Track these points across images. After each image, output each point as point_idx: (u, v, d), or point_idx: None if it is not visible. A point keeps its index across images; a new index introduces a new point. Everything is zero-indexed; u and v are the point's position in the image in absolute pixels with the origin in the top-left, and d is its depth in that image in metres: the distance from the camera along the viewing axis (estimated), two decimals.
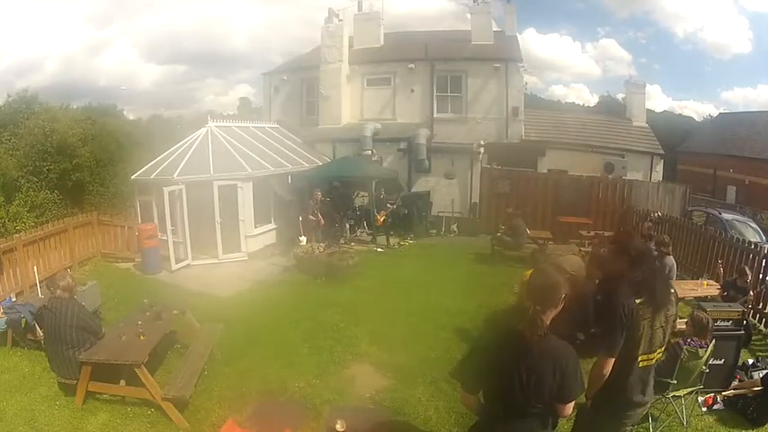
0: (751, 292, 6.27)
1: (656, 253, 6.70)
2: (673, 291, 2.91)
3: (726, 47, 58.30)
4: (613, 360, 2.60)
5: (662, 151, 15.99)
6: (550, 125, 16.84)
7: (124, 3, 55.34)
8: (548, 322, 2.20)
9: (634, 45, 53.53)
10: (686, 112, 41.13)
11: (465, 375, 2.35)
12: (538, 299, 2.20)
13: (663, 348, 2.84)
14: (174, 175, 9.52)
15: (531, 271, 2.66)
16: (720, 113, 29.34)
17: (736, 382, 4.78)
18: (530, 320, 2.14)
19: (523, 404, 2.17)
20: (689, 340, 4.13)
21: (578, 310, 3.32)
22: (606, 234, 9.99)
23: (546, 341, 2.15)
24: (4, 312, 5.68)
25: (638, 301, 2.66)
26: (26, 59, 40.77)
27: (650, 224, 9.78)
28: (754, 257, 7.10)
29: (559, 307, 2.24)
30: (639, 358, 2.70)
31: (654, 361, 2.80)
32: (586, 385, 2.70)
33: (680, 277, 7.70)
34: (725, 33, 52.42)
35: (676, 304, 2.91)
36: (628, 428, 2.95)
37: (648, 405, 3.01)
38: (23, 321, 5.58)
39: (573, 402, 2.27)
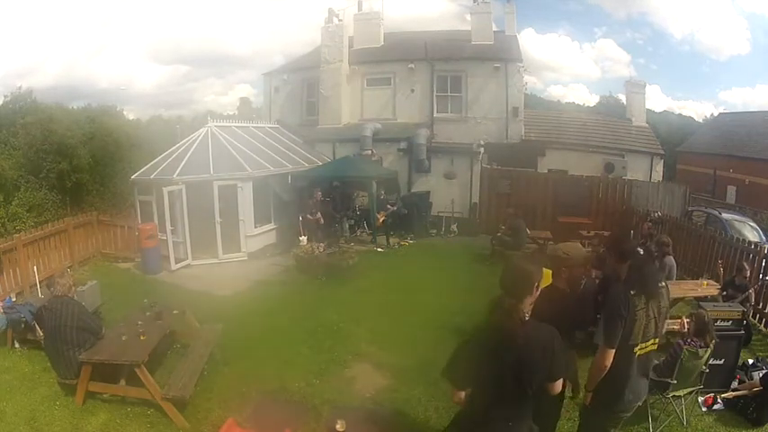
0: (751, 290, 6.27)
1: (656, 253, 6.70)
2: (663, 284, 3.00)
3: (723, 47, 58.47)
4: (613, 352, 2.69)
5: (662, 151, 15.99)
6: (550, 125, 16.84)
7: (125, 4, 55.35)
8: (526, 310, 2.28)
9: (632, 46, 53.66)
10: (685, 112, 41.21)
11: (455, 373, 2.41)
12: (511, 291, 2.29)
13: (656, 340, 2.93)
14: (174, 175, 9.51)
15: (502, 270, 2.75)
16: (720, 113, 29.35)
17: (736, 383, 4.78)
18: (507, 312, 2.22)
19: (517, 391, 2.24)
20: (689, 340, 4.13)
21: (577, 308, 3.33)
22: (607, 234, 10.00)
23: (528, 328, 2.24)
24: (5, 312, 5.68)
25: (632, 292, 2.76)
26: (28, 61, 40.79)
27: (650, 224, 9.78)
28: (753, 257, 7.11)
29: (535, 294, 2.33)
30: (636, 348, 2.80)
31: (648, 350, 2.88)
32: (587, 379, 2.82)
33: (680, 277, 7.69)
34: (722, 34, 52.48)
35: (668, 298, 3.01)
36: (624, 418, 3.05)
37: (644, 397, 3.09)
38: (23, 321, 5.58)
39: (561, 380, 2.39)
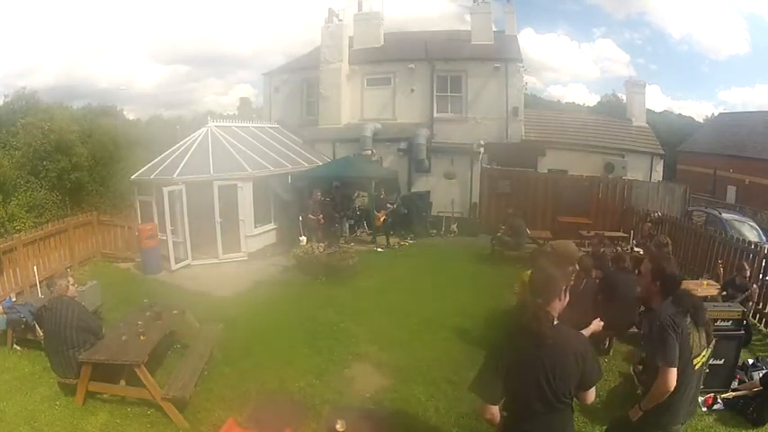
0: (752, 288, 6.27)
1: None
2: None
3: (722, 47, 58.52)
4: (675, 371, 2.52)
5: (662, 151, 15.97)
6: (550, 125, 16.82)
7: (125, 4, 55.34)
8: (555, 314, 2.23)
9: (631, 46, 53.80)
10: (685, 112, 41.25)
11: (485, 386, 2.28)
12: (540, 293, 2.24)
13: (709, 348, 2.79)
14: (174, 175, 9.51)
15: (531, 270, 2.68)
16: (720, 113, 29.38)
17: (736, 383, 4.78)
18: (535, 314, 2.17)
19: (553, 399, 2.17)
20: None
21: (577, 309, 3.33)
22: (607, 234, 9.99)
23: (558, 331, 2.19)
24: (5, 312, 5.68)
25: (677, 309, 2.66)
26: (28, 61, 40.82)
27: (650, 224, 9.77)
28: (753, 257, 7.10)
29: (564, 299, 2.28)
30: (695, 359, 2.67)
31: (704, 359, 2.76)
32: (646, 399, 2.61)
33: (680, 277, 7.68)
34: (721, 34, 52.54)
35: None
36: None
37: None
38: (23, 321, 5.58)
39: (594, 388, 2.31)
